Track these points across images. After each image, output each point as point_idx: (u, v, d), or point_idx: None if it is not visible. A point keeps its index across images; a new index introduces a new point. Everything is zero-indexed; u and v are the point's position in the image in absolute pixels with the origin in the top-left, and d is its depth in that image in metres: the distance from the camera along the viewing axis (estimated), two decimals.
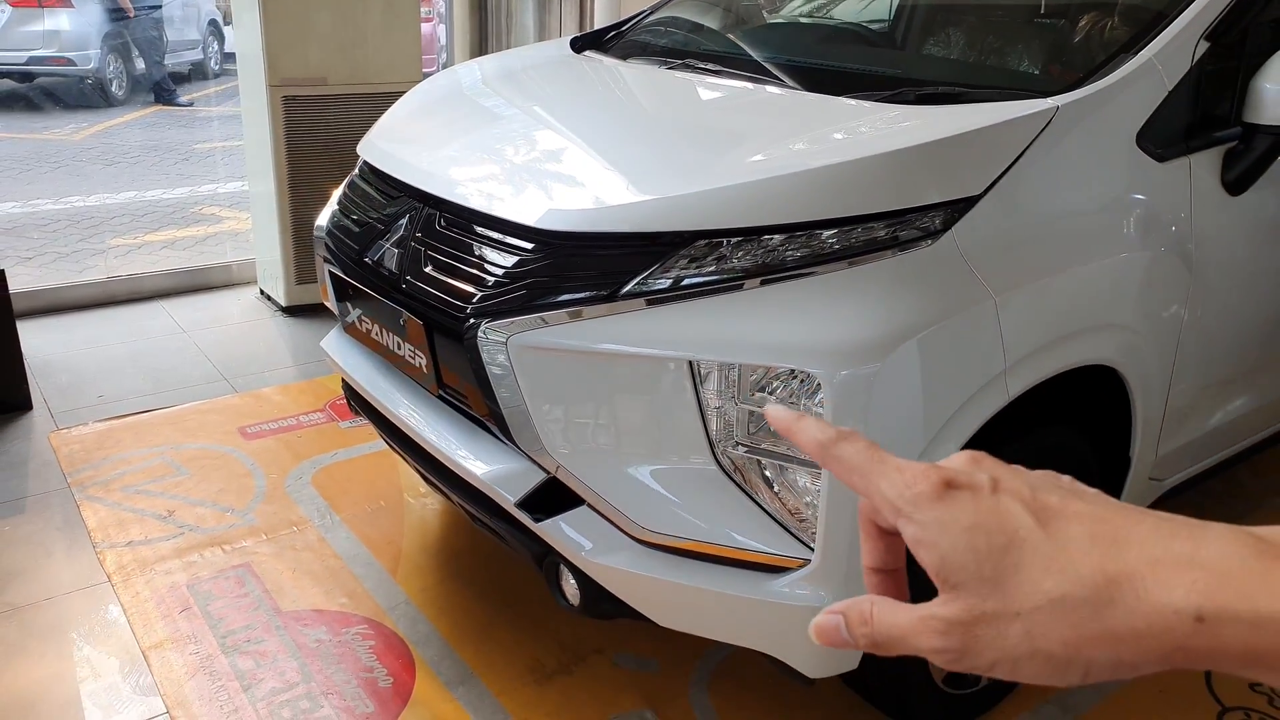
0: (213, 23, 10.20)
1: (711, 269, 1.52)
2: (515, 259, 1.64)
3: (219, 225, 5.54)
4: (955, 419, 1.54)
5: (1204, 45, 1.76)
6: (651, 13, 2.73)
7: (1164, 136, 1.74)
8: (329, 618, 2.20)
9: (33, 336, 3.52)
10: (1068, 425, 1.85)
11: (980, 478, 0.47)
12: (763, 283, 1.50)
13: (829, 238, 1.51)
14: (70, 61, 8.47)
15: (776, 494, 1.53)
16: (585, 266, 1.58)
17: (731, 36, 2.54)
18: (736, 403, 1.51)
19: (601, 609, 1.70)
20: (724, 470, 1.55)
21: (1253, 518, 2.67)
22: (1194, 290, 1.85)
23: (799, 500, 1.52)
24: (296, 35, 3.64)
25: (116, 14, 8.80)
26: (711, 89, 2.11)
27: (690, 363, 1.50)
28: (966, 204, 1.54)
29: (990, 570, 0.44)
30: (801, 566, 1.53)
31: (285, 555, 2.41)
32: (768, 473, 1.53)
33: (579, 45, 2.59)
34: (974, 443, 1.58)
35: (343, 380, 2.27)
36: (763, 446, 1.52)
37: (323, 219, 2.19)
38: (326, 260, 2.12)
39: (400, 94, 2.48)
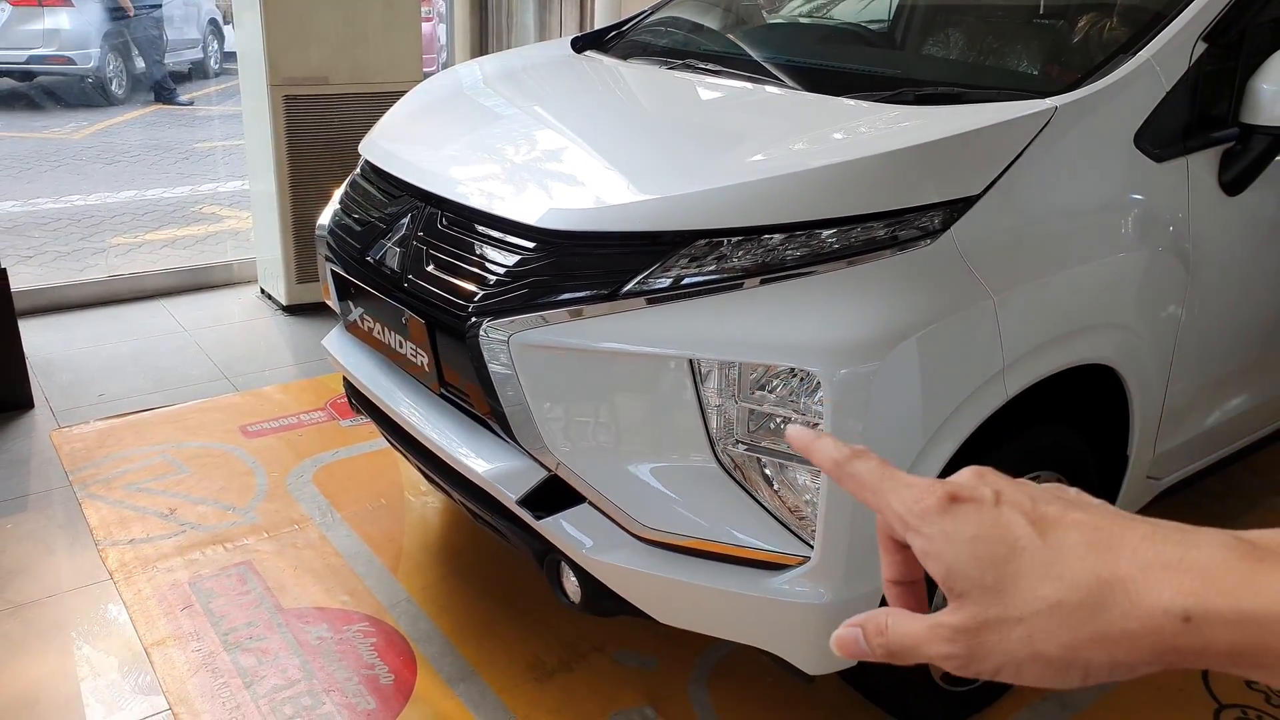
0: (213, 22, 10.21)
1: (712, 268, 1.52)
2: (517, 258, 1.65)
3: (219, 224, 5.55)
4: (954, 417, 1.55)
5: (1202, 46, 1.77)
6: (652, 13, 2.74)
7: (1162, 137, 1.75)
8: (330, 615, 2.21)
9: (34, 335, 3.53)
10: (1066, 424, 1.85)
11: (984, 491, 0.49)
12: (763, 282, 1.51)
13: (828, 237, 1.51)
14: (70, 60, 8.48)
15: (776, 492, 1.54)
16: (586, 265, 1.59)
17: (732, 37, 2.55)
18: (736, 401, 1.52)
19: (602, 606, 1.71)
20: (724, 468, 1.56)
21: (1250, 516, 2.68)
22: (1191, 290, 1.86)
23: (799, 498, 1.53)
24: (297, 35, 3.65)
25: (116, 13, 8.80)
26: (712, 89, 2.11)
27: (690, 361, 1.51)
28: (965, 204, 1.55)
29: (992, 579, 0.46)
30: (801, 564, 1.54)
31: (287, 553, 2.42)
32: (767, 470, 1.54)
33: (580, 45, 2.59)
34: (972, 441, 1.58)
35: (344, 379, 2.28)
36: (763, 444, 1.53)
37: (324, 218, 2.20)
38: (328, 259, 2.12)
39: (401, 94, 2.49)
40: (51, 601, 2.24)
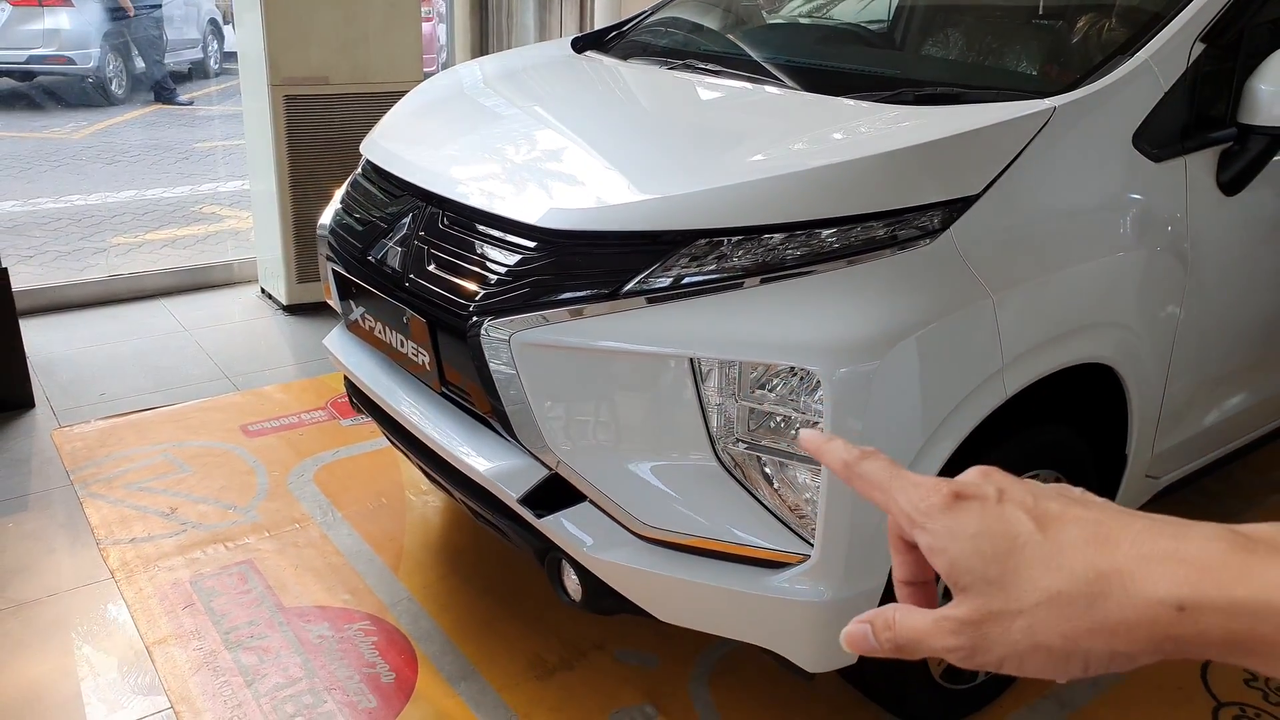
0: (212, 21, 10.22)
1: (712, 267, 1.53)
2: (518, 257, 1.66)
3: (219, 224, 5.56)
4: (953, 416, 1.55)
5: (1200, 47, 1.78)
6: (652, 13, 2.75)
7: (1160, 137, 1.76)
8: (331, 614, 2.22)
9: (35, 335, 3.53)
10: (1064, 423, 1.86)
11: (988, 489, 0.51)
12: (763, 281, 1.52)
13: (828, 237, 1.52)
14: (70, 60, 8.48)
15: (776, 490, 1.55)
16: (587, 265, 1.59)
17: (731, 37, 2.56)
18: (737, 400, 1.52)
19: (603, 604, 1.71)
20: (724, 467, 1.56)
21: (1248, 515, 2.69)
22: (1190, 289, 1.87)
23: (799, 496, 1.53)
24: (298, 35, 3.66)
25: (116, 13, 8.81)
26: (712, 89, 2.12)
27: (691, 360, 1.52)
28: (965, 203, 1.56)
29: (995, 572, 0.48)
30: (801, 562, 1.54)
31: (287, 552, 2.43)
32: (768, 469, 1.54)
33: (580, 45, 2.60)
34: (972, 440, 1.59)
35: (345, 378, 2.29)
36: (763, 443, 1.54)
37: (326, 217, 2.21)
38: (329, 259, 2.13)
39: (401, 94, 2.49)
40: (53, 600, 2.25)
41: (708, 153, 1.80)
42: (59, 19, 8.47)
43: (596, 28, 3.57)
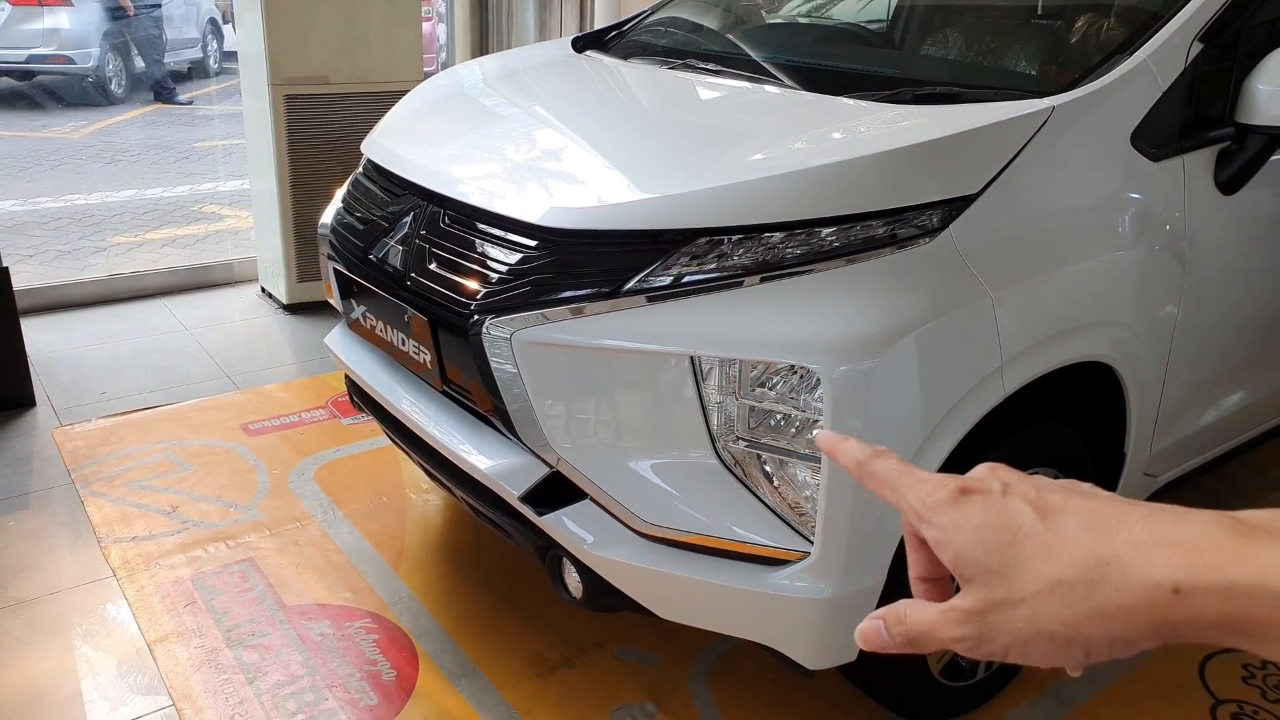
0: (212, 21, 10.22)
1: (712, 266, 1.54)
2: (519, 256, 1.66)
3: (220, 223, 5.56)
4: (952, 414, 1.56)
5: (1198, 46, 1.78)
6: (652, 13, 2.76)
7: (1158, 136, 1.77)
8: (332, 612, 2.22)
9: (36, 334, 3.54)
10: (1063, 421, 1.87)
11: (993, 483, 0.52)
12: (763, 280, 1.52)
13: (828, 235, 1.53)
14: (70, 60, 8.49)
15: (776, 488, 1.55)
16: (588, 264, 1.60)
17: (731, 37, 2.56)
18: (737, 398, 1.53)
19: (603, 602, 1.72)
20: (725, 464, 1.57)
21: None
22: (1188, 288, 1.88)
23: (799, 494, 1.54)
24: (298, 35, 3.66)
25: (116, 12, 8.81)
26: (712, 89, 2.13)
27: (691, 359, 1.53)
28: (964, 202, 1.57)
29: (998, 563, 0.49)
30: (801, 559, 1.55)
31: (288, 550, 2.43)
32: (768, 467, 1.55)
33: (580, 45, 2.61)
34: (971, 438, 1.60)
35: (346, 376, 2.30)
36: (763, 441, 1.54)
37: (327, 216, 2.21)
38: (331, 258, 2.14)
39: (401, 93, 2.50)
40: (54, 598, 2.26)
41: (708, 152, 1.81)
42: (59, 18, 8.47)
43: (596, 27, 3.58)
